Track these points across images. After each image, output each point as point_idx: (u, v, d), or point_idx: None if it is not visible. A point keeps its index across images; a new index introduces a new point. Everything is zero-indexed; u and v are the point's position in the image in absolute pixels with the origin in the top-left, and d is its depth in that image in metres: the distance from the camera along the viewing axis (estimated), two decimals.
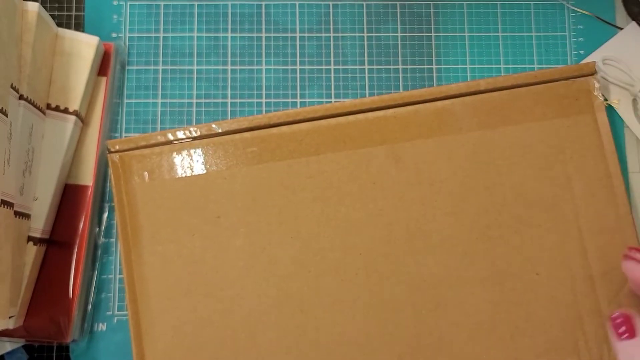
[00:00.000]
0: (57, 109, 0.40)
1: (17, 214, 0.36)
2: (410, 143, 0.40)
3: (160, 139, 0.40)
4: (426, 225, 0.39)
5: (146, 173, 0.40)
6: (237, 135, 0.40)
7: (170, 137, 0.40)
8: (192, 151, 0.40)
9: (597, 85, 0.41)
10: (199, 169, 0.40)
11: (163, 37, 0.45)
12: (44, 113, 0.39)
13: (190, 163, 0.40)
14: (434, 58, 0.45)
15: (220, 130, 0.40)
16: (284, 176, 0.40)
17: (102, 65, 0.42)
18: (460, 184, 0.40)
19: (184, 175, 0.40)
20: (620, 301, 0.39)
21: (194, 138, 0.40)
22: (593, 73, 0.41)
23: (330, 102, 0.44)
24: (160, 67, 0.44)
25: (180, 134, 0.40)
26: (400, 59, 0.45)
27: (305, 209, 0.39)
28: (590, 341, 0.39)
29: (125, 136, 0.43)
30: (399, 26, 0.45)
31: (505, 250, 0.39)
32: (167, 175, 0.40)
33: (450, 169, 0.40)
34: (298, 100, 0.44)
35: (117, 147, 0.40)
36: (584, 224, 0.40)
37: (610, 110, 0.44)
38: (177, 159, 0.40)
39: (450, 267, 0.39)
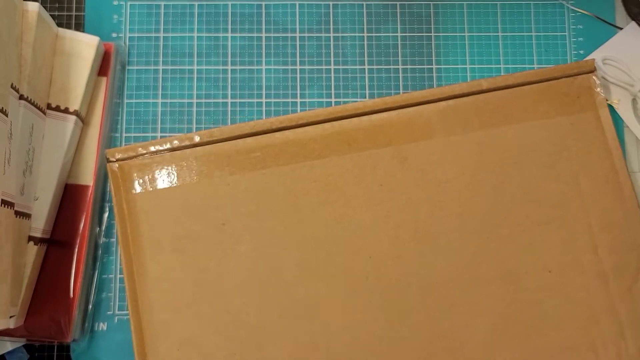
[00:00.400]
0: (57, 108, 0.40)
1: (17, 213, 0.36)
2: (415, 144, 0.40)
3: (161, 146, 0.40)
4: (434, 226, 0.39)
5: (147, 181, 0.39)
6: (239, 141, 0.40)
7: (172, 144, 0.40)
8: (194, 158, 0.39)
9: (597, 82, 0.41)
10: (202, 175, 0.39)
11: (163, 37, 0.45)
12: (44, 113, 0.39)
13: (192, 170, 0.39)
14: (433, 58, 0.45)
15: (222, 137, 0.40)
16: (288, 181, 0.39)
17: (103, 66, 0.42)
18: (466, 183, 0.40)
19: (185, 182, 0.39)
20: (632, 297, 0.39)
21: (196, 145, 0.40)
22: (593, 70, 0.42)
23: (331, 102, 0.44)
24: (161, 67, 0.44)
25: (182, 141, 0.40)
26: (400, 59, 0.45)
27: (311, 213, 0.39)
28: (607, 339, 0.38)
29: (125, 136, 0.43)
30: (398, 26, 0.45)
31: (515, 248, 0.39)
32: (169, 183, 0.39)
33: (456, 169, 0.40)
34: (298, 100, 0.44)
35: (117, 156, 0.39)
36: (593, 220, 0.39)
37: (610, 110, 0.44)
38: (179, 166, 0.39)
39: (461, 268, 0.39)
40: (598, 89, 0.41)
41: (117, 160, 0.39)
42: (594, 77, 0.41)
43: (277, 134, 0.40)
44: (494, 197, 0.39)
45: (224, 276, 0.38)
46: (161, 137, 0.43)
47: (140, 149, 0.39)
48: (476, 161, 0.40)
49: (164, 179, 0.39)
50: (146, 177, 0.39)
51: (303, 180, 0.39)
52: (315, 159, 0.39)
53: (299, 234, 0.39)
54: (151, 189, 0.39)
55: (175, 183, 0.39)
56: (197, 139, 0.39)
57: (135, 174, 0.39)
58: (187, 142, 0.39)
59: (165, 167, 0.39)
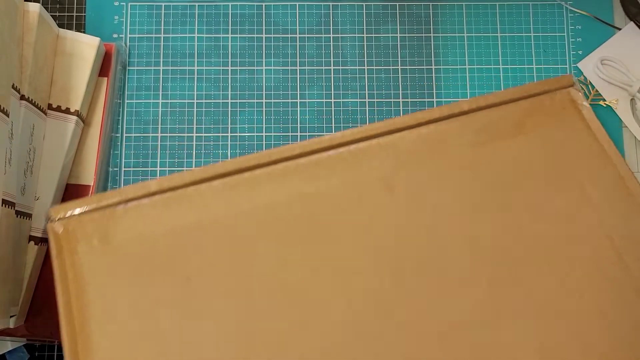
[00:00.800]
0: (58, 109, 0.40)
1: (18, 213, 0.36)
2: (401, 171, 0.36)
3: (114, 198, 0.33)
4: (439, 257, 0.34)
5: (96, 240, 0.33)
6: (203, 185, 0.34)
7: (125, 195, 0.34)
8: (151, 207, 0.33)
9: (580, 94, 0.40)
10: (162, 226, 0.33)
11: (164, 37, 0.45)
12: (45, 113, 0.39)
13: (150, 221, 0.33)
14: (433, 59, 0.45)
15: (183, 182, 0.34)
16: (262, 223, 0.34)
17: (103, 66, 0.42)
18: (466, 205, 0.35)
19: (142, 236, 0.33)
20: None
21: (153, 193, 0.34)
22: (571, 85, 0.40)
23: (330, 102, 0.44)
24: (161, 68, 0.44)
25: (137, 191, 0.34)
26: (399, 59, 0.45)
27: (295, 257, 0.33)
28: None
29: (126, 136, 0.44)
30: (398, 27, 0.45)
31: (536, 272, 0.34)
32: (123, 238, 0.33)
33: (451, 192, 0.36)
34: (298, 100, 0.44)
35: (60, 215, 0.33)
36: (612, 230, 0.36)
37: (608, 110, 0.44)
38: (135, 218, 0.33)
39: (481, 304, 0.33)
40: (582, 102, 0.40)
41: (60, 219, 0.33)
42: (575, 90, 0.40)
43: (247, 174, 0.35)
44: (499, 217, 0.35)
45: (195, 343, 0.31)
46: (162, 137, 0.44)
47: (88, 204, 0.33)
48: (472, 182, 0.36)
49: (118, 234, 0.33)
50: (95, 235, 0.33)
51: (281, 221, 0.34)
52: (294, 196, 0.34)
53: (282, 283, 0.32)
54: (101, 248, 0.32)
55: (131, 237, 0.33)
56: (153, 187, 0.34)
57: (82, 233, 0.33)
58: (143, 192, 0.34)
59: (120, 221, 0.33)
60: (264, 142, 0.44)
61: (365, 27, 0.45)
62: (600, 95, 0.44)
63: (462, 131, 0.37)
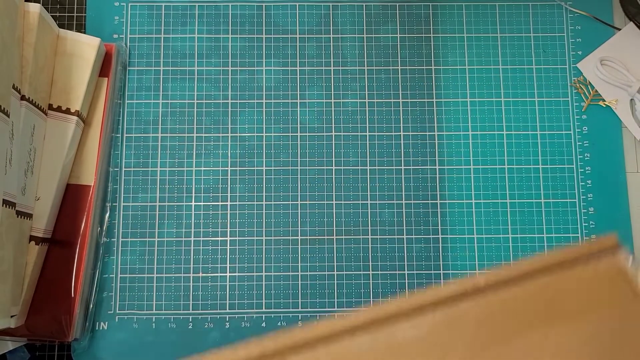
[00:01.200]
0: (58, 109, 0.40)
1: (19, 213, 0.36)
2: None
3: None
4: None
5: None
6: None
7: None
8: None
9: (629, 260, 0.27)
10: None
11: (164, 38, 0.45)
12: (45, 113, 0.39)
13: None
14: (432, 59, 0.45)
15: None
16: None
17: (104, 66, 0.42)
18: None
19: None
20: None
21: None
22: (617, 248, 0.27)
23: (330, 102, 0.44)
24: (162, 68, 0.45)
25: None
26: (399, 59, 0.45)
27: None
28: None
29: (126, 136, 0.44)
30: (398, 27, 0.45)
31: None
32: None
33: None
34: (298, 101, 0.44)
35: None
36: None
37: (608, 110, 0.44)
38: None
39: None
40: (634, 272, 0.27)
41: None
42: (623, 256, 0.27)
43: None
44: None
45: None
46: (162, 137, 0.44)
47: None
48: None
49: None
50: None
51: None
52: None
53: None
54: None
55: None
56: None
57: None
58: None
59: None
60: (264, 142, 0.44)
61: (365, 27, 0.45)
62: (599, 95, 0.44)
63: (476, 316, 0.26)
